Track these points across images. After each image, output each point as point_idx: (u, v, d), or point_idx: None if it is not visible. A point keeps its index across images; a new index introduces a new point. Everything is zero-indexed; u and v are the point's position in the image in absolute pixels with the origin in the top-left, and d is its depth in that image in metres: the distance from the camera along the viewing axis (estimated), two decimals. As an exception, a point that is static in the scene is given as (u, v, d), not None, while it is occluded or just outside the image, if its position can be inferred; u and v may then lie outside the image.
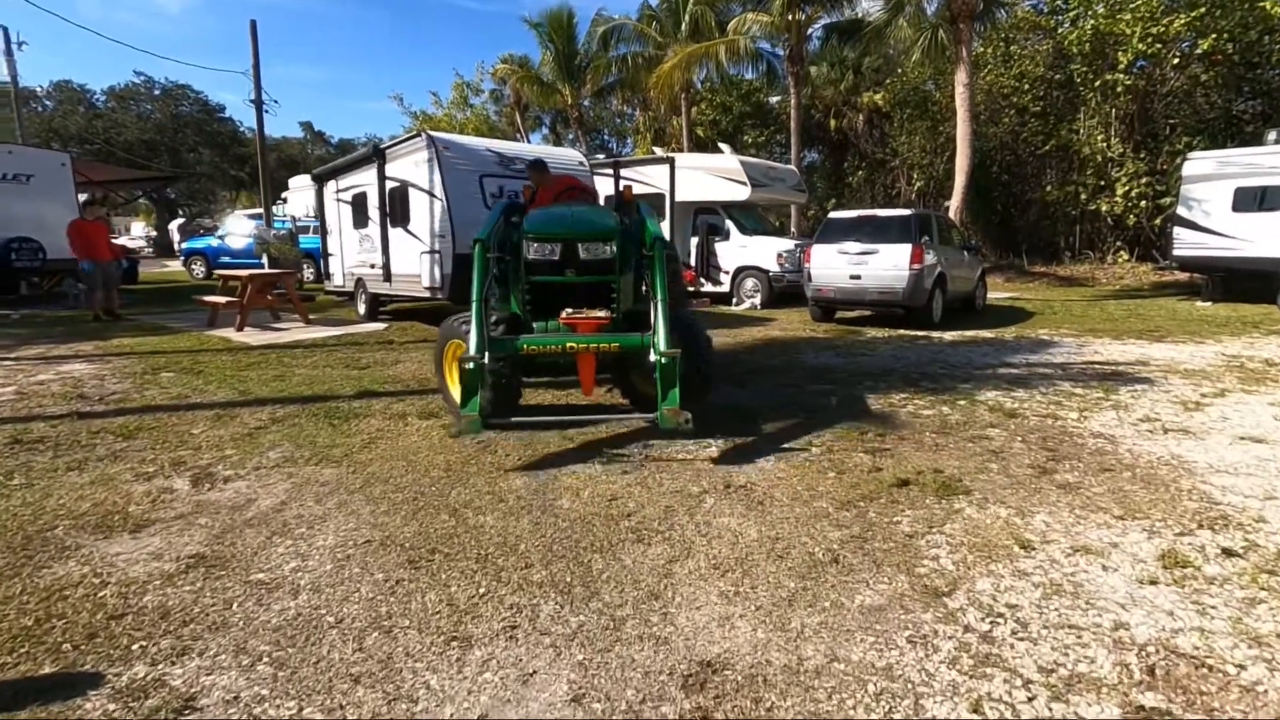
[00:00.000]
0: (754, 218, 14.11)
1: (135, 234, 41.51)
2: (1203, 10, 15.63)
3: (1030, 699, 1.94)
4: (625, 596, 2.50)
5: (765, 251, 12.73)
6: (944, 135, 21.22)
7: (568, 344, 4.17)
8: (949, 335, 8.99)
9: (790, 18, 19.11)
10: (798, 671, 2.07)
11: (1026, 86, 19.89)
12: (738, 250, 13.06)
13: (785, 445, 4.27)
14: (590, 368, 4.43)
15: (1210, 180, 12.34)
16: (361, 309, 11.15)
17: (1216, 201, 12.19)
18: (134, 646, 2.21)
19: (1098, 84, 17.74)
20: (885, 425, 4.72)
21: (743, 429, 4.60)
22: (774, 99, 27.79)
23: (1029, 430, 4.58)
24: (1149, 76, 17.65)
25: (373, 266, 10.48)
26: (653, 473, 3.77)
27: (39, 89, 42.29)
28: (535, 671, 2.08)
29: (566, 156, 10.63)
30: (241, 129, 46.05)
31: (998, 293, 14.63)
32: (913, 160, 23.29)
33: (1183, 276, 14.27)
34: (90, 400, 5.49)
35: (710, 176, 13.43)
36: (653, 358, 3.95)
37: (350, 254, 11.57)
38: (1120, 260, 18.42)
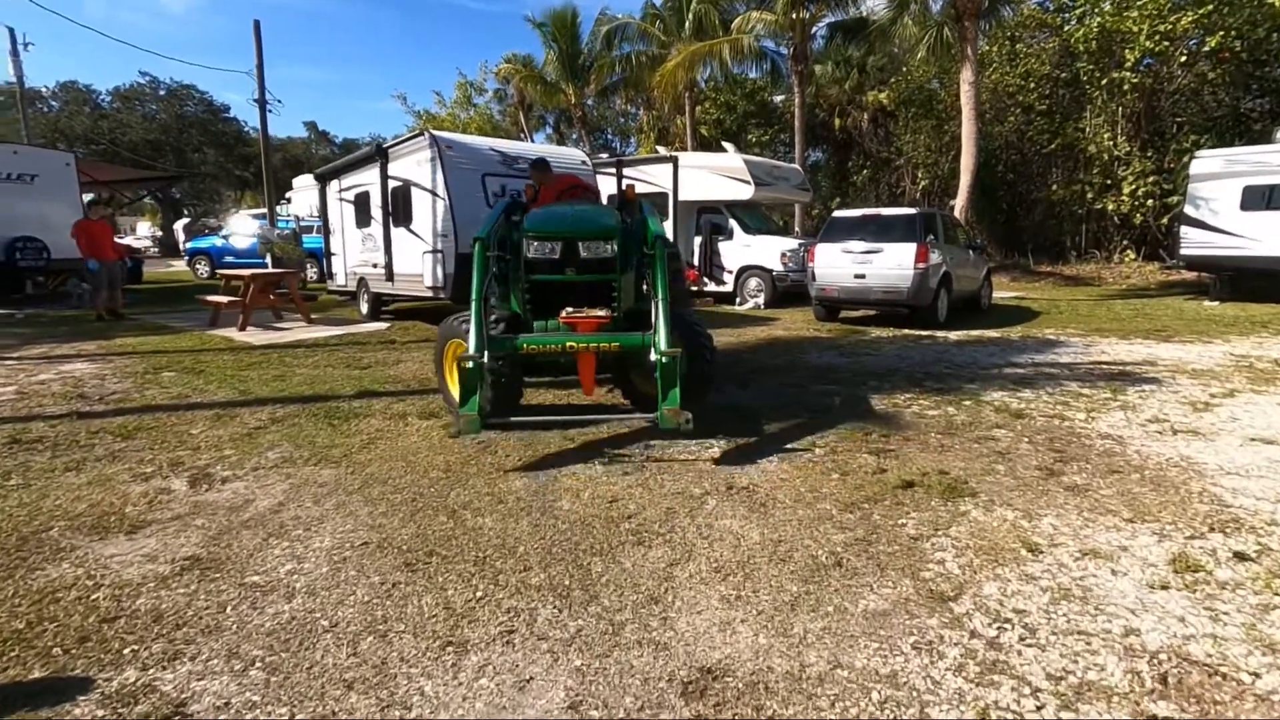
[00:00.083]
0: (758, 217, 14.06)
1: (141, 234, 41.67)
2: (1210, 7, 15.50)
3: (1039, 708, 1.89)
4: (625, 600, 2.46)
5: (769, 251, 12.67)
6: (949, 134, 21.10)
7: (568, 343, 4.13)
8: (954, 335, 8.92)
9: (794, 16, 19.03)
10: (800, 678, 2.03)
11: (1032, 85, 19.76)
12: (741, 249, 13.00)
13: (788, 446, 4.22)
14: (590, 367, 4.39)
15: (1218, 179, 12.23)
16: (364, 308, 11.14)
17: (1224, 200, 12.08)
18: (125, 651, 2.17)
19: (1104, 82, 17.61)
20: (890, 426, 4.67)
21: (745, 429, 4.56)
22: (778, 98, 27.71)
23: (1036, 431, 4.52)
24: (1156, 74, 17.51)
25: (375, 266, 10.46)
26: (654, 474, 3.73)
27: (45, 89, 42.54)
28: (532, 678, 2.04)
29: (569, 155, 10.59)
30: (246, 129, 46.27)
31: (1003, 292, 14.55)
32: (917, 159, 23.17)
33: (1190, 276, 14.15)
34: (90, 400, 5.48)
35: (714, 175, 13.37)
36: (653, 357, 3.90)
37: (353, 253, 11.55)
38: (1127, 259, 18.29)
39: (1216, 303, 12.08)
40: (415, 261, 9.20)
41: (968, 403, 5.28)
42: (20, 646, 2.19)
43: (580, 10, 26.67)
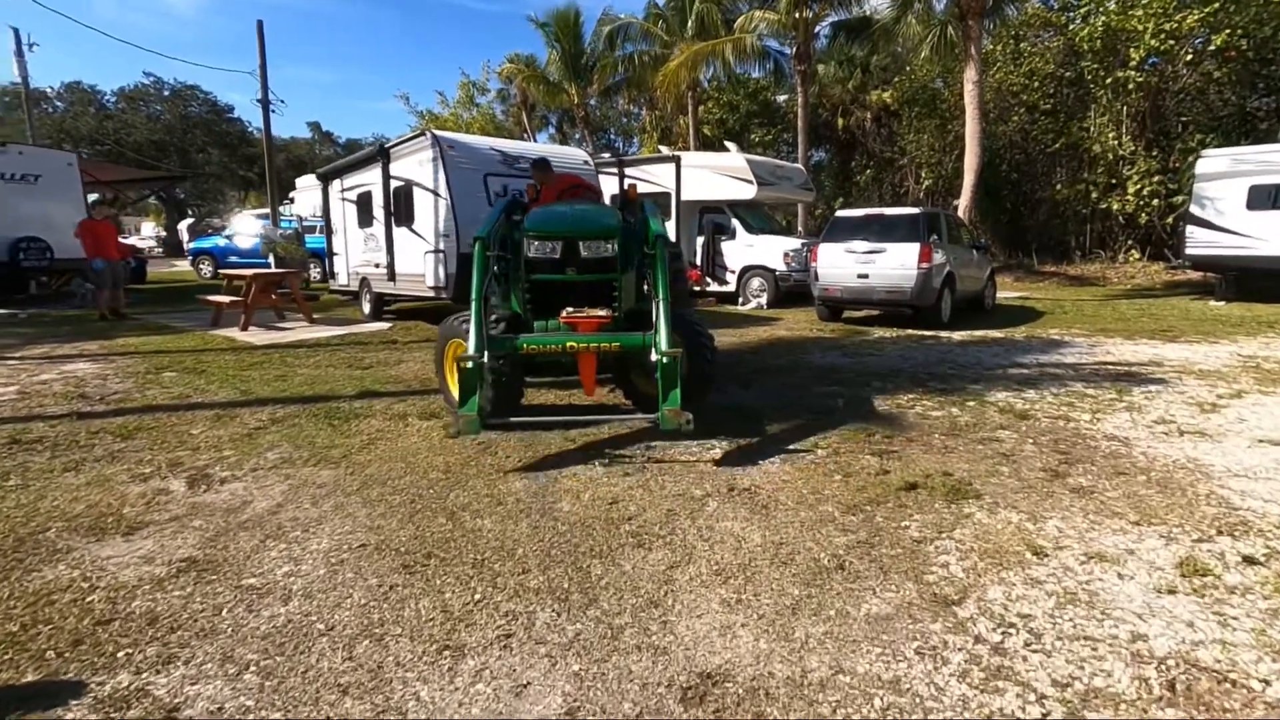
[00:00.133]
0: (760, 217, 14.02)
1: (145, 234, 41.79)
2: (1216, 6, 15.40)
3: (1045, 715, 1.86)
4: (624, 604, 2.43)
5: (772, 251, 12.63)
6: (953, 133, 21.03)
7: (568, 343, 4.11)
8: (958, 335, 8.87)
9: (798, 15, 18.97)
10: (801, 684, 2.00)
11: (1036, 84, 19.67)
12: (744, 249, 12.96)
13: (790, 447, 4.19)
14: (591, 367, 4.37)
15: (1224, 178, 12.16)
16: (366, 308, 11.13)
17: (1230, 199, 12.02)
18: (119, 654, 2.15)
19: (1109, 81, 17.52)
20: (893, 427, 4.63)
21: (747, 430, 4.52)
22: (781, 97, 27.65)
23: (1040, 432, 4.48)
24: (1161, 73, 17.41)
25: (377, 266, 10.46)
26: (655, 475, 3.70)
27: (50, 90, 42.62)
28: (529, 683, 2.01)
29: (571, 155, 10.58)
30: (250, 129, 46.34)
31: (1007, 292, 14.48)
32: (921, 159, 23.10)
33: (1195, 276, 14.08)
34: (91, 400, 5.47)
35: (716, 175, 13.34)
36: (654, 357, 3.88)
37: (355, 253, 11.55)
38: (1132, 259, 18.20)
39: (1222, 303, 12.00)
40: (417, 261, 9.19)
41: (972, 403, 5.24)
42: (14, 649, 2.17)
43: (583, 10, 26.68)
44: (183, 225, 34.61)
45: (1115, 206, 17.76)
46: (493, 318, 4.47)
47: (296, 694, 1.96)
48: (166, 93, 44.80)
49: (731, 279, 13.03)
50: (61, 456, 4.07)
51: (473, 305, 4.07)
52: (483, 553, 2.82)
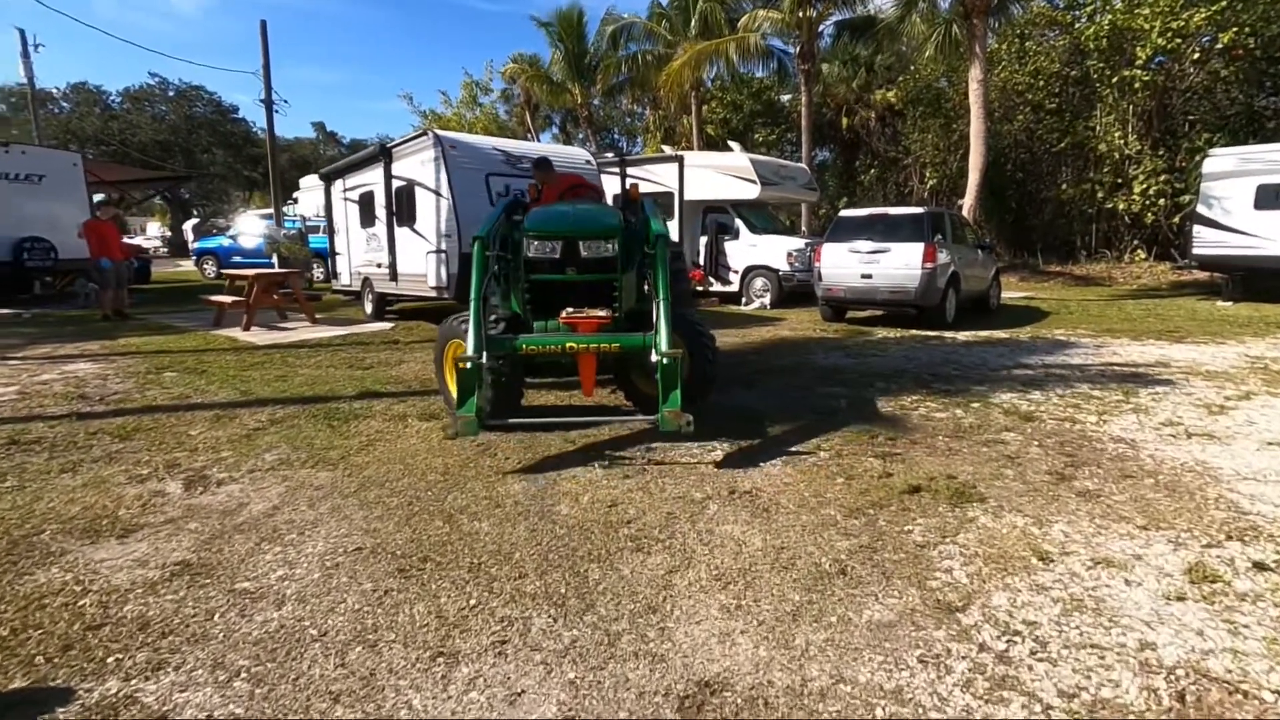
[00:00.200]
0: (764, 216, 13.96)
1: (150, 234, 41.92)
2: (1223, 4, 15.29)
3: (1050, 727, 1.81)
4: (622, 609, 2.39)
5: (775, 250, 12.57)
6: (957, 133, 20.94)
7: (567, 344, 4.07)
8: (962, 336, 8.81)
9: (801, 14, 18.91)
10: (801, 694, 1.95)
11: (1042, 83, 19.57)
12: (747, 249, 12.91)
13: (792, 449, 4.14)
14: (591, 368, 4.33)
15: (1231, 177, 12.06)
16: (368, 308, 11.12)
17: (1238, 199, 11.92)
18: (109, 660, 2.12)
19: (1115, 80, 17.41)
20: (896, 428, 4.58)
21: (749, 431, 4.48)
22: (785, 97, 27.57)
23: (1046, 434, 4.43)
24: (1168, 72, 17.30)
25: (379, 266, 10.44)
26: (654, 477, 3.66)
27: (55, 91, 42.78)
28: (524, 691, 1.97)
29: (573, 155, 10.55)
30: (254, 129, 46.43)
31: (1012, 292, 14.39)
32: (925, 158, 23.00)
33: (1202, 276, 13.96)
34: (91, 400, 5.46)
35: (719, 175, 13.29)
36: (654, 358, 3.84)
37: (357, 253, 11.54)
38: (1138, 259, 18.09)
39: (1230, 303, 11.90)
40: (419, 261, 9.17)
41: (976, 405, 5.18)
42: (3, 654, 2.15)
43: (586, 10, 26.67)
44: (187, 225, 34.73)
45: (1121, 206, 17.66)
46: (492, 318, 4.44)
47: (287, 701, 1.93)
48: (171, 93, 44.92)
49: (735, 279, 12.99)
50: (59, 457, 4.05)
51: (471, 305, 4.03)
52: (479, 556, 2.79)
